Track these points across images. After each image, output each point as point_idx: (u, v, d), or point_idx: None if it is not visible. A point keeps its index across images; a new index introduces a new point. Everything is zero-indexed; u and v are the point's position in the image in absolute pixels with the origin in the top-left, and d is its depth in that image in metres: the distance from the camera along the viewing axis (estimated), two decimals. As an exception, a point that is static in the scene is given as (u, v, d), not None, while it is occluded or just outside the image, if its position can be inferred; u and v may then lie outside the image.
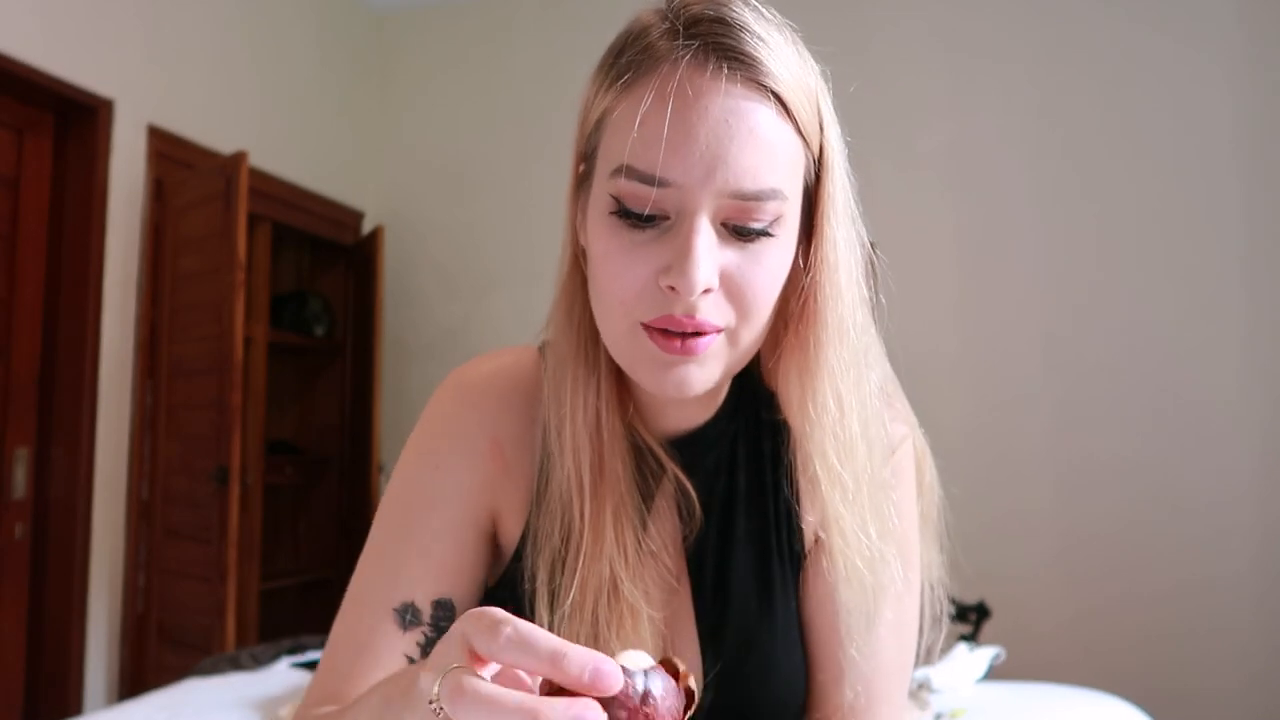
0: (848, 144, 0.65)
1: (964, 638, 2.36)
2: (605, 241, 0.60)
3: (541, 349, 0.74)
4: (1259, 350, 3.08)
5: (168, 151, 3.05)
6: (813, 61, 0.63)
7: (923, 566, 0.74)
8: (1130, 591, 3.10)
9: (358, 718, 0.51)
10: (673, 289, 0.57)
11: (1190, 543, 3.07)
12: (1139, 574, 3.10)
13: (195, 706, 1.87)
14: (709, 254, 0.57)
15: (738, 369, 0.64)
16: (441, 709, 0.40)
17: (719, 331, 0.59)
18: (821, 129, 0.62)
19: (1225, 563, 3.04)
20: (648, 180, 0.57)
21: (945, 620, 0.76)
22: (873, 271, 0.68)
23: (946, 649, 2.09)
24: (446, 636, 0.43)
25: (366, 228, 4.05)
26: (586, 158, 0.64)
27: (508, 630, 0.39)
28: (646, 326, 0.59)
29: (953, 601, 2.75)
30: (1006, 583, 3.02)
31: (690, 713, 0.42)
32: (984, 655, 2.08)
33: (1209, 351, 3.11)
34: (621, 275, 0.59)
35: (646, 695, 0.40)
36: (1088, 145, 3.27)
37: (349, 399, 3.98)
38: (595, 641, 0.63)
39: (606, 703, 0.39)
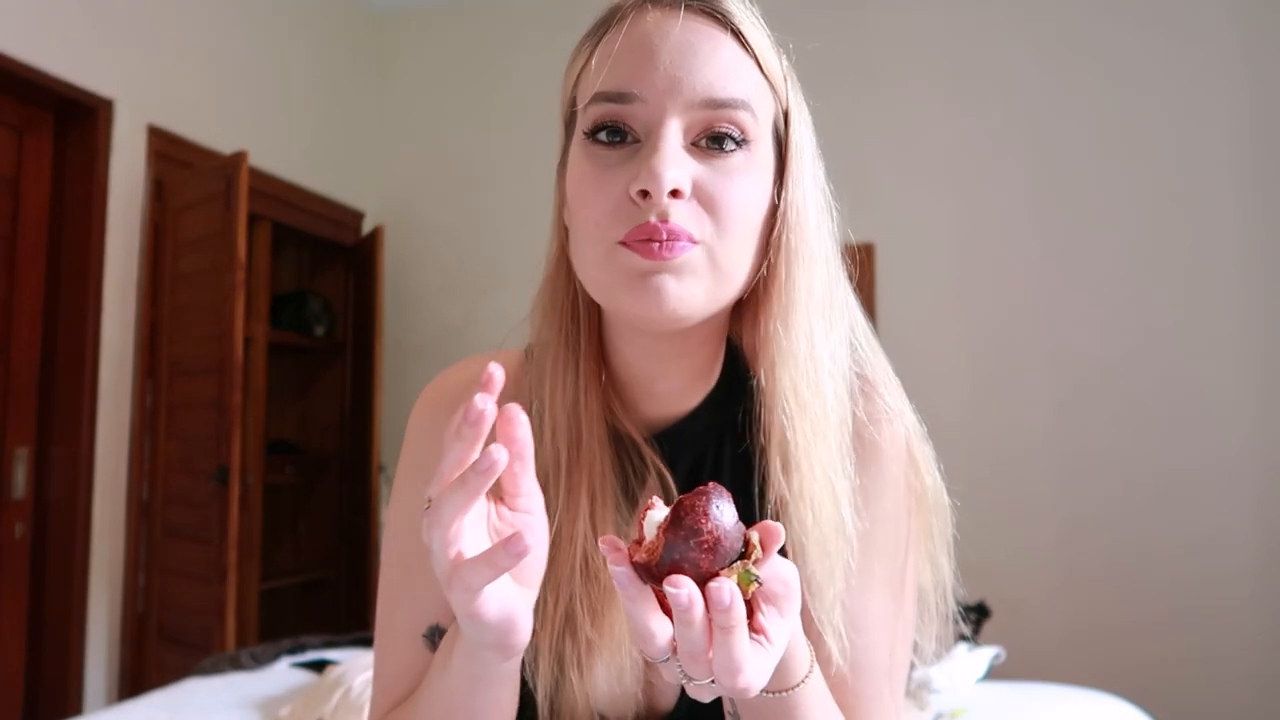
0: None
1: (964, 638, 2.36)
2: (580, 168, 0.62)
3: (528, 351, 0.75)
4: (1258, 348, 3.08)
5: (168, 151, 3.05)
6: (780, 48, 0.66)
7: (931, 569, 0.73)
8: (1130, 591, 3.10)
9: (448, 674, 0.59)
10: (644, 193, 0.57)
11: (1190, 543, 3.07)
12: (1139, 573, 3.10)
13: (195, 706, 1.87)
14: (676, 155, 0.58)
15: (723, 291, 0.62)
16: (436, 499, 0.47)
17: (696, 244, 0.59)
18: (786, 83, 0.65)
19: (1225, 562, 3.04)
20: (614, 98, 0.59)
21: (949, 627, 0.75)
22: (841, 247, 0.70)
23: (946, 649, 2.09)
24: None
25: (366, 228, 4.05)
26: (568, 124, 0.67)
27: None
28: (624, 244, 0.59)
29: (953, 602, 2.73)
30: (1006, 583, 3.02)
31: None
32: (984, 655, 2.08)
33: (1209, 350, 3.12)
34: (595, 195, 0.60)
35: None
36: (1087, 144, 3.27)
37: (349, 399, 3.98)
38: (572, 620, 0.64)
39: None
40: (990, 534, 3.18)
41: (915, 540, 0.72)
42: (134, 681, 2.90)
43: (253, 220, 3.35)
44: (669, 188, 0.57)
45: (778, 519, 0.65)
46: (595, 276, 0.61)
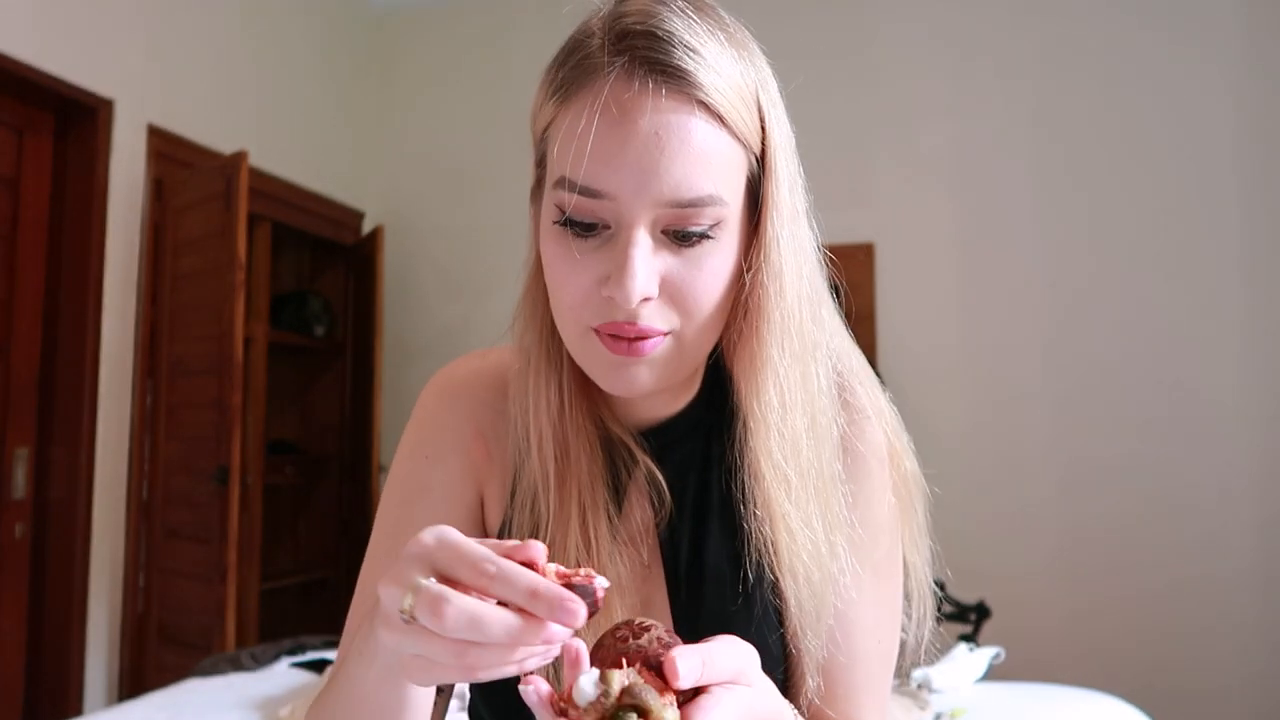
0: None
1: (964, 638, 2.36)
2: (552, 249, 0.62)
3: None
4: (1258, 349, 3.08)
5: (168, 151, 3.05)
6: (756, 60, 0.64)
7: (913, 550, 0.74)
8: (1130, 591, 3.10)
9: (347, 660, 0.56)
10: (613, 299, 0.59)
11: (1190, 542, 3.07)
12: (1139, 573, 3.10)
13: (195, 706, 1.87)
14: (645, 265, 0.58)
15: (692, 366, 0.66)
16: (413, 618, 0.44)
17: (665, 335, 0.61)
18: (763, 129, 0.63)
19: (1225, 562, 3.04)
20: (582, 193, 0.59)
21: (929, 618, 0.76)
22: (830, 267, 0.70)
23: (946, 649, 2.09)
24: (409, 556, 0.46)
25: (366, 228, 4.05)
26: (539, 163, 0.66)
27: (491, 568, 0.44)
28: (596, 330, 0.61)
29: (953, 601, 2.74)
30: (1006, 583, 3.02)
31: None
32: (984, 655, 2.08)
33: (1208, 350, 3.12)
34: (567, 283, 0.61)
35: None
36: (1087, 145, 3.27)
37: (349, 399, 3.98)
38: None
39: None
40: (990, 533, 3.18)
41: (900, 528, 0.74)
42: (134, 681, 2.90)
43: (253, 220, 3.35)
44: (636, 300, 0.58)
45: (760, 547, 0.67)
46: (572, 348, 0.65)
